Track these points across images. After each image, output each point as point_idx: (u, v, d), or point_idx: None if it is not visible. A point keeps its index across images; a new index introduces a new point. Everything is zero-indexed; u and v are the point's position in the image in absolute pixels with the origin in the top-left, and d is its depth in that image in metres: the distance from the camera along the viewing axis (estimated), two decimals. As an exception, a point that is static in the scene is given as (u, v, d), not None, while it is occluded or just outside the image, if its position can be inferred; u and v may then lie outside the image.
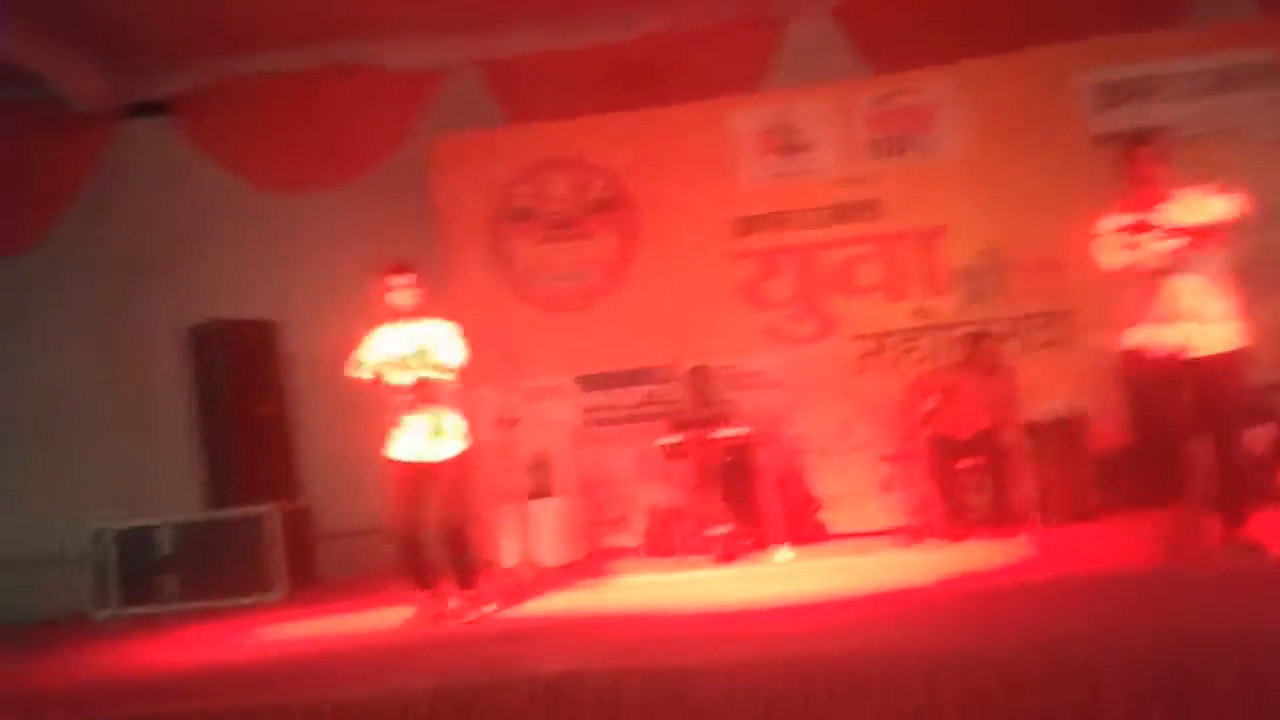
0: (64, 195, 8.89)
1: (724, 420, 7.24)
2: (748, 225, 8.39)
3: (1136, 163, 4.83)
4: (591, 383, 8.40)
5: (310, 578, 7.76)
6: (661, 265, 8.40)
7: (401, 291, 5.48)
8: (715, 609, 5.00)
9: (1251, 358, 4.79)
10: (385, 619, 5.62)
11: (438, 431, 5.44)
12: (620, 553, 7.84)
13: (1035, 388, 7.24)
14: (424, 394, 5.44)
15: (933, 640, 3.60)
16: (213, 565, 7.52)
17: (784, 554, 6.75)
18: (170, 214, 9.00)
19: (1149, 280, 4.75)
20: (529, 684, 3.67)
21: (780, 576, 6.03)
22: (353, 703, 3.76)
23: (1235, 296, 4.77)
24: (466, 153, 8.64)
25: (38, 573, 7.92)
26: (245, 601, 7.23)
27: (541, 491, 7.88)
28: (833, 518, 7.77)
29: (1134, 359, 4.86)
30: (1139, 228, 4.77)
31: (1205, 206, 4.67)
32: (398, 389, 5.46)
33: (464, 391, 5.69)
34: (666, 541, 7.51)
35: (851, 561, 6.36)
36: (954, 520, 6.83)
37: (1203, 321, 4.68)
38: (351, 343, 5.57)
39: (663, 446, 7.17)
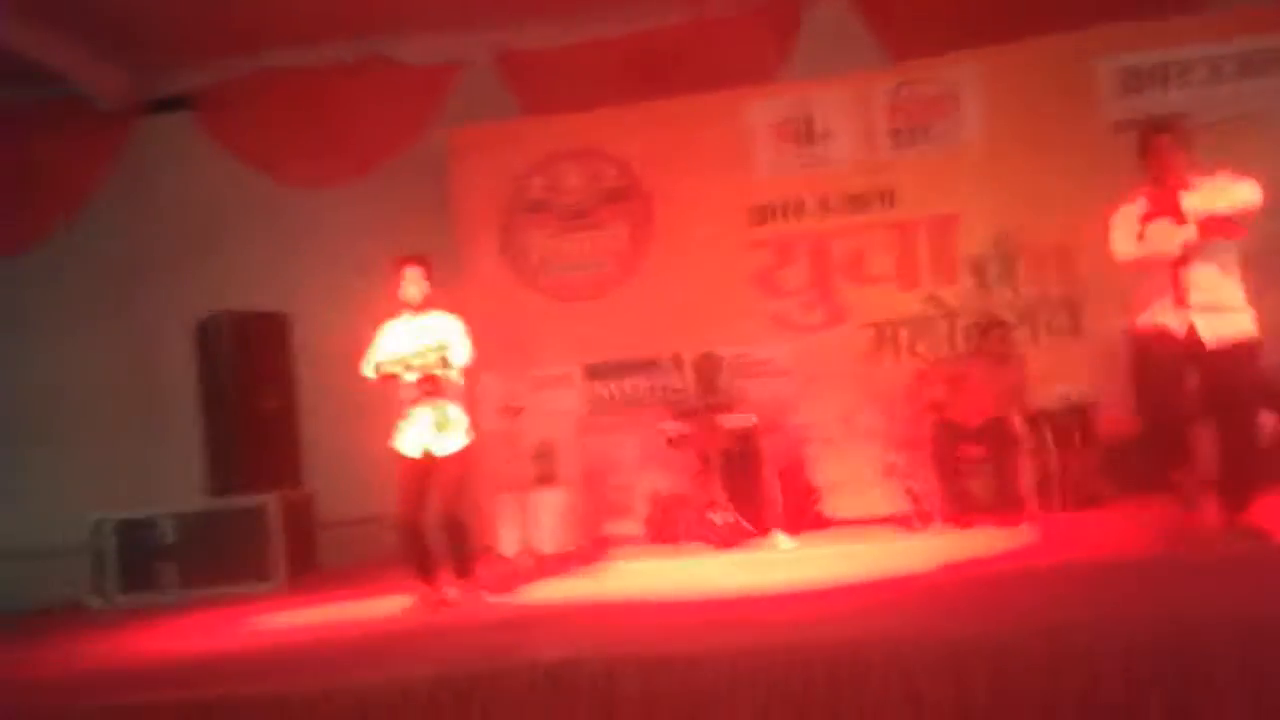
0: (85, 190, 8.91)
1: (729, 408, 7.23)
2: (762, 214, 8.33)
3: (1156, 151, 4.78)
4: (597, 371, 8.38)
5: (310, 567, 7.73)
6: (675, 255, 8.36)
7: (413, 284, 5.52)
8: (717, 596, 4.97)
9: (1263, 346, 4.74)
10: (385, 607, 5.61)
11: (442, 425, 5.47)
12: (621, 540, 7.81)
13: (1046, 375, 7.20)
14: (430, 388, 5.47)
15: (934, 626, 3.56)
16: (213, 554, 7.48)
17: (785, 541, 6.71)
18: (188, 208, 9.04)
19: (1163, 269, 4.70)
20: (529, 671, 3.65)
21: (781, 563, 6.01)
22: (352, 691, 3.74)
23: (1247, 284, 4.72)
24: (482, 144, 8.64)
25: (40, 564, 7.92)
26: (245, 590, 7.20)
27: (545, 480, 7.84)
28: (837, 504, 7.73)
29: (1144, 340, 4.82)
30: (1155, 215, 4.72)
31: (1224, 194, 4.61)
32: (405, 385, 5.51)
33: (469, 384, 5.72)
34: (668, 528, 7.48)
35: (853, 548, 6.32)
36: (957, 507, 6.80)
37: (1217, 311, 4.64)
38: (362, 335, 5.62)
39: (667, 434, 7.13)
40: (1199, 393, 4.80)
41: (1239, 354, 4.63)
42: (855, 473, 7.72)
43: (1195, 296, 4.65)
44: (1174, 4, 8.06)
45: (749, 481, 7.06)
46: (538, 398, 8.09)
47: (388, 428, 5.57)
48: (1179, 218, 4.66)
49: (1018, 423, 6.90)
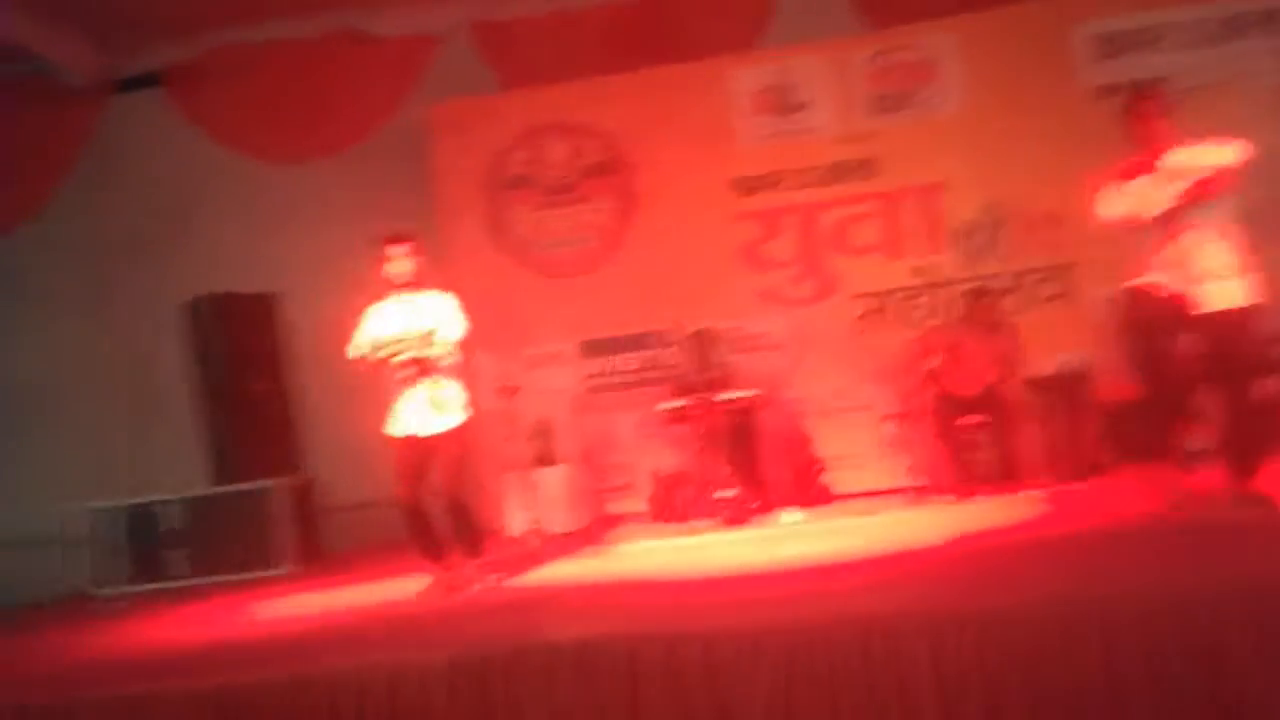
0: (57, 171, 8.80)
1: (726, 384, 7.23)
2: (746, 186, 8.33)
3: (1140, 117, 4.76)
4: (592, 349, 8.37)
5: (316, 552, 7.70)
6: (660, 228, 8.35)
7: (399, 261, 5.42)
8: (732, 573, 4.98)
9: (1260, 311, 4.73)
10: (396, 591, 5.60)
11: (436, 405, 5.39)
12: (626, 519, 7.83)
13: (1038, 343, 7.22)
14: (423, 368, 5.39)
15: (954, 600, 3.60)
16: (219, 541, 7.45)
17: (791, 516, 6.74)
18: (165, 187, 8.94)
19: (1151, 232, 4.68)
20: (549, 653, 3.67)
21: (790, 538, 6.00)
22: (370, 675, 3.77)
23: (1241, 248, 4.71)
24: (464, 119, 8.57)
25: (38, 554, 7.87)
26: (252, 576, 7.18)
27: (544, 459, 7.86)
28: (837, 478, 7.75)
29: (1137, 301, 4.81)
30: (1137, 171, 4.71)
31: (1209, 153, 4.61)
32: (397, 365, 5.41)
33: (464, 361, 5.63)
34: (672, 506, 7.49)
35: (860, 522, 6.34)
36: (960, 478, 6.84)
37: (1209, 279, 4.62)
38: (351, 313, 5.52)
39: (665, 411, 7.14)
40: (1197, 359, 4.81)
41: (1232, 321, 4.62)
42: (855, 445, 7.75)
43: (1187, 263, 4.63)
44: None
45: (751, 457, 7.08)
46: (533, 376, 8.08)
47: (383, 410, 5.48)
48: (1160, 174, 4.65)
49: (1015, 391, 6.94)
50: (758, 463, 7.05)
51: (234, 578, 7.19)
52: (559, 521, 7.53)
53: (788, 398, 7.85)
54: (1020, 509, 5.91)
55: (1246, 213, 4.77)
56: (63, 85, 8.76)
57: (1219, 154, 4.60)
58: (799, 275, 8.27)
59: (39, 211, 8.75)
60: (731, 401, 6.99)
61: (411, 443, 5.39)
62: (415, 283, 5.47)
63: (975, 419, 6.99)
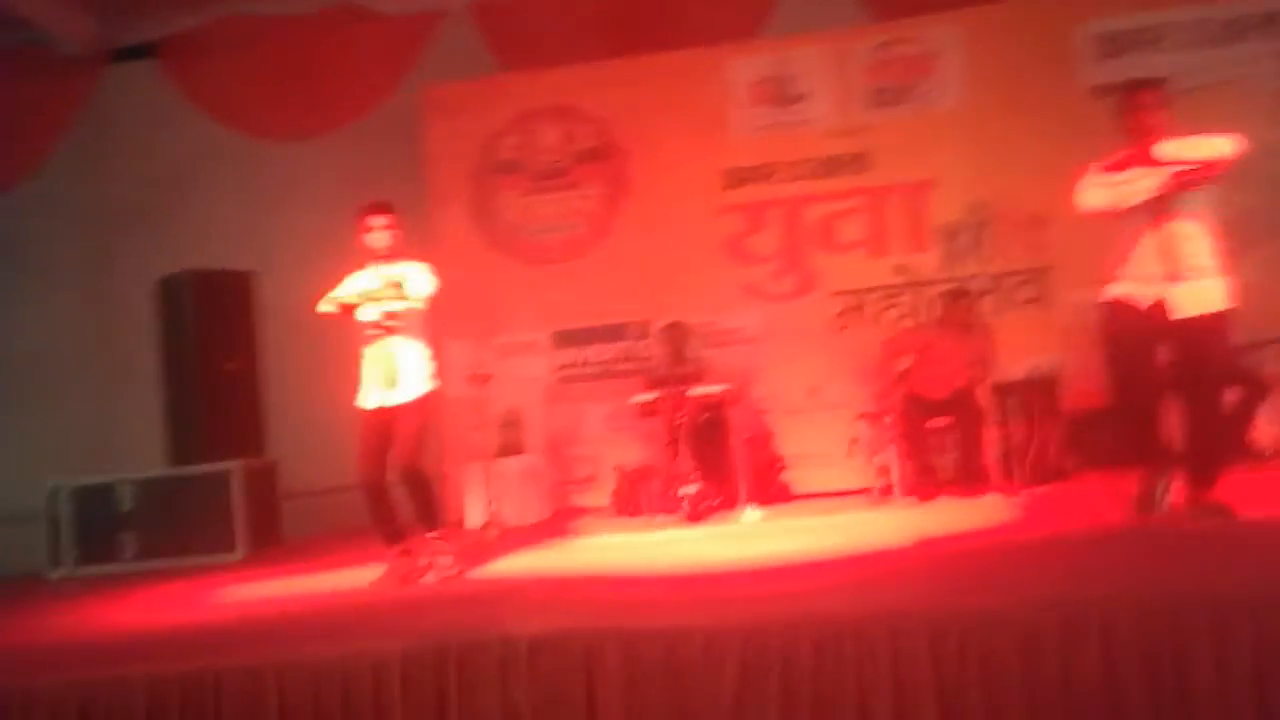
0: (49, 140, 8.73)
1: (698, 378, 7.19)
2: (737, 177, 8.29)
3: (1138, 108, 4.66)
4: (565, 339, 8.32)
5: (274, 537, 7.61)
6: (648, 218, 8.30)
7: (379, 233, 5.36)
8: (693, 570, 4.92)
9: (1234, 318, 4.69)
10: (352, 579, 5.50)
11: (391, 378, 5.31)
12: (588, 512, 7.78)
13: (1010, 346, 7.23)
14: (389, 328, 5.31)
15: (917, 602, 3.56)
16: (174, 523, 7.33)
17: (752, 514, 6.70)
18: (154, 161, 8.87)
19: (1132, 221, 4.61)
20: (502, 646, 3.62)
21: (752, 536, 5.98)
22: (323, 664, 3.70)
23: (1220, 246, 4.65)
24: (456, 101, 8.50)
25: (5, 531, 7.73)
26: (207, 561, 7.06)
27: (512, 449, 7.81)
28: (801, 477, 7.74)
29: (1113, 312, 4.75)
30: (1125, 164, 4.66)
31: (1203, 144, 4.54)
32: (365, 324, 5.34)
33: (435, 339, 5.58)
34: (634, 501, 7.45)
35: (821, 521, 6.29)
36: (923, 480, 6.83)
37: (1188, 278, 4.55)
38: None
39: (636, 404, 7.09)
40: (1169, 367, 4.79)
41: (1207, 327, 4.56)
42: (821, 444, 7.70)
43: (1166, 262, 4.55)
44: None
45: (717, 452, 7.04)
46: (505, 365, 8.02)
47: (353, 394, 5.42)
48: (1147, 164, 4.57)
49: (983, 395, 6.94)
50: (724, 458, 7.00)
51: (188, 561, 7.06)
52: (520, 513, 7.46)
53: (753, 394, 7.81)
54: (983, 513, 5.91)
55: (1238, 214, 4.74)
56: (56, 55, 8.67)
57: (1213, 145, 4.53)
58: (780, 270, 8.24)
59: (28, 181, 8.66)
60: (702, 396, 6.94)
61: (375, 419, 5.32)
62: (393, 255, 5.40)
63: (943, 421, 6.99)
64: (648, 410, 7.08)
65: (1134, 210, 4.59)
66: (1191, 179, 4.51)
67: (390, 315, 5.30)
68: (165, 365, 7.97)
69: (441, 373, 5.59)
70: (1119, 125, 4.74)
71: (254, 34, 8.62)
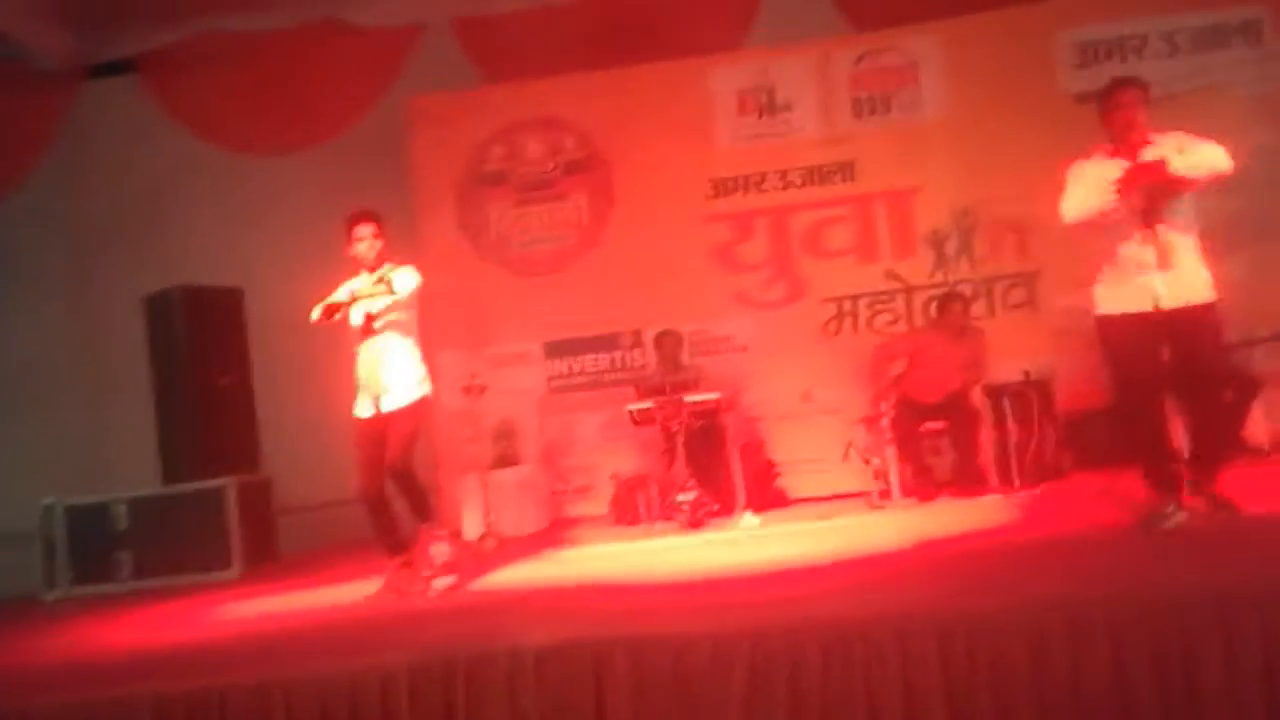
0: (29, 155, 8.68)
1: (692, 386, 7.19)
2: (724, 187, 8.32)
3: (1119, 106, 4.63)
4: (557, 349, 8.31)
5: (270, 553, 7.55)
6: (636, 228, 8.31)
7: (365, 242, 5.35)
8: (696, 577, 4.92)
9: (1224, 312, 4.66)
10: (351, 594, 5.48)
11: (381, 386, 5.28)
12: (584, 521, 7.77)
13: (1003, 349, 7.26)
14: (379, 329, 5.30)
15: (922, 605, 3.57)
16: (169, 541, 7.25)
17: (750, 520, 6.68)
18: (135, 177, 8.83)
19: (1115, 230, 4.56)
20: (509, 657, 3.61)
21: (751, 542, 5.98)
22: (330, 679, 3.68)
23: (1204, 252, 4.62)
24: (441, 113, 8.52)
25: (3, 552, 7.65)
26: (203, 578, 7.02)
27: (508, 460, 7.80)
28: (797, 482, 7.75)
29: (1108, 327, 4.69)
30: (1113, 154, 4.61)
31: (1197, 154, 4.48)
32: (356, 328, 5.34)
33: (427, 350, 5.58)
34: (632, 509, 7.44)
35: (820, 526, 6.31)
36: (919, 483, 6.85)
37: (1176, 269, 4.49)
38: (320, 305, 5.45)
39: (631, 413, 7.08)
40: (1166, 364, 4.77)
41: (1201, 319, 4.53)
42: (817, 449, 7.72)
43: (1155, 254, 4.49)
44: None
45: (712, 459, 7.05)
46: (497, 375, 8.00)
47: (348, 407, 5.40)
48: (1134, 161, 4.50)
49: (977, 397, 6.96)
50: (719, 465, 7.00)
51: (183, 580, 7.01)
52: (518, 524, 7.45)
53: (746, 401, 7.82)
54: (982, 514, 5.92)
55: (1224, 217, 4.72)
56: (35, 69, 8.61)
57: (1206, 156, 4.48)
58: (770, 278, 8.26)
59: (6, 198, 8.61)
60: (697, 404, 6.94)
61: (370, 429, 5.31)
62: (380, 263, 5.38)
63: (937, 425, 7.01)
64: (643, 418, 7.07)
65: (1117, 218, 4.57)
66: (1177, 192, 4.49)
67: (379, 314, 5.29)
68: (156, 381, 7.92)
69: (435, 384, 5.58)
70: (1101, 124, 4.73)
71: (234, 49, 8.58)
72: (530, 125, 8.53)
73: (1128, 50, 7.95)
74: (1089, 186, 4.61)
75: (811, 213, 8.23)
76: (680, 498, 6.77)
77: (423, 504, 5.46)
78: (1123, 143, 4.61)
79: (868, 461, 7.05)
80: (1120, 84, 4.75)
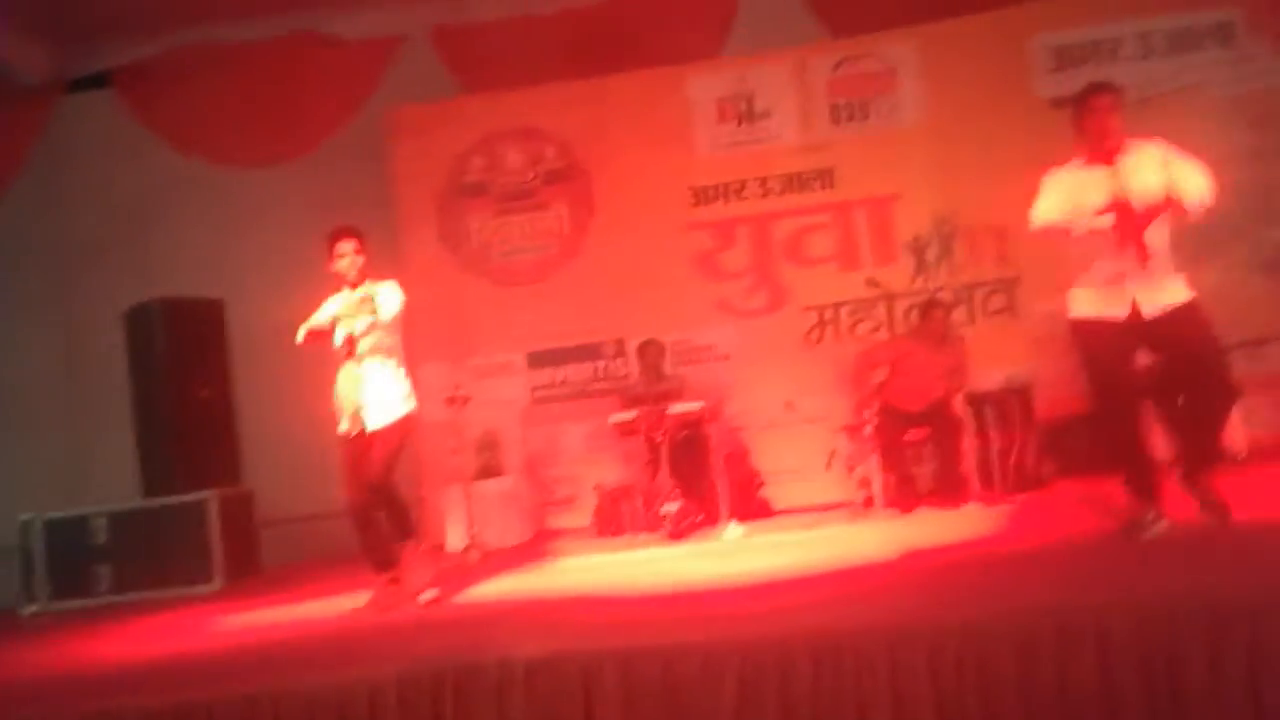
0: (7, 171, 8.60)
1: (675, 396, 7.19)
2: (704, 195, 8.34)
3: (1094, 112, 4.60)
4: (540, 359, 8.30)
5: (252, 566, 7.52)
6: (617, 237, 8.33)
7: (347, 259, 5.32)
8: (682, 588, 4.91)
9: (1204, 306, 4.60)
10: (336, 606, 5.45)
11: (363, 405, 5.26)
12: (568, 533, 7.76)
13: (983, 356, 7.29)
14: (353, 347, 5.25)
15: (910, 615, 3.58)
16: (149, 555, 7.21)
17: (733, 530, 6.69)
18: (115, 191, 8.79)
19: (1089, 237, 4.53)
20: (498, 669, 3.60)
21: (736, 553, 5.98)
22: (318, 691, 3.66)
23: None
24: (421, 124, 8.52)
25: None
26: (184, 592, 6.97)
27: (491, 471, 7.79)
28: (780, 492, 7.75)
29: (1083, 330, 4.67)
30: (1090, 161, 4.58)
31: (1188, 192, 4.43)
32: (339, 349, 5.31)
33: (410, 362, 5.56)
34: (616, 520, 7.43)
35: (804, 536, 6.31)
36: (902, 492, 6.87)
37: (1157, 271, 4.49)
38: (301, 321, 5.40)
39: (615, 424, 7.08)
40: (1153, 368, 4.78)
41: (1186, 318, 4.51)
42: (799, 459, 7.74)
43: (1132, 260, 4.45)
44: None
45: (697, 470, 7.04)
46: (480, 386, 7.98)
47: (330, 420, 5.37)
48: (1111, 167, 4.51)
49: (959, 405, 6.99)
50: (703, 475, 7.00)
51: (164, 594, 6.96)
52: (502, 535, 7.43)
53: (729, 411, 7.82)
54: (966, 523, 5.94)
55: (1188, 228, 4.73)
56: (11, 83, 8.57)
57: (1191, 183, 4.44)
58: (752, 286, 8.29)
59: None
60: (680, 414, 6.94)
61: (355, 445, 5.27)
62: (362, 279, 5.36)
63: (920, 433, 7.03)
64: (626, 429, 7.07)
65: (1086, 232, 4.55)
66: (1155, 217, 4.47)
67: (361, 335, 5.25)
68: (136, 394, 7.89)
69: (418, 395, 5.55)
70: (1076, 129, 4.71)
71: (212, 61, 8.55)
72: (510, 135, 8.54)
73: (1103, 54, 8.01)
74: (1063, 196, 4.61)
75: (792, 220, 8.27)
76: (664, 509, 6.76)
77: (404, 520, 5.42)
78: (1098, 148, 4.60)
79: (851, 470, 7.08)
80: (1094, 89, 4.73)
